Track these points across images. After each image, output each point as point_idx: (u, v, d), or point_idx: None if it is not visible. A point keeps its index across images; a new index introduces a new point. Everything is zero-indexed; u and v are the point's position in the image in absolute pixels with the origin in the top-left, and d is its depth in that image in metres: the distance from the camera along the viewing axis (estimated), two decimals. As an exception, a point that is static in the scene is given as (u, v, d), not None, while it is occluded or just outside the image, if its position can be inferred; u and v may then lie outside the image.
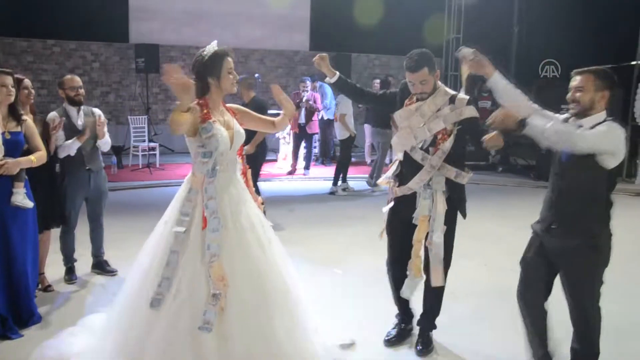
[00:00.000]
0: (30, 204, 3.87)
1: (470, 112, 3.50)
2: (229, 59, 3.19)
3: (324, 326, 3.79)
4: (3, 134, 3.75)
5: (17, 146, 3.83)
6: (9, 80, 3.83)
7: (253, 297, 3.07)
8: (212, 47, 3.19)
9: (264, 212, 3.51)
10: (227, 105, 3.38)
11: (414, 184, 3.56)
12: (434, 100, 3.54)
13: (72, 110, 4.76)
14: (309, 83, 10.76)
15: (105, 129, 4.87)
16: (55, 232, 4.79)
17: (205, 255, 3.01)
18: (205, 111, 3.11)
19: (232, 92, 3.25)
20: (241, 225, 3.15)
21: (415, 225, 3.59)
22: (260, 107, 7.11)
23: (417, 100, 3.58)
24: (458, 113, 3.49)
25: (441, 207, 3.53)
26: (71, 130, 4.67)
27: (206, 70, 3.14)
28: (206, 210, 3.06)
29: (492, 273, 5.36)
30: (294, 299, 3.28)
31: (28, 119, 4.01)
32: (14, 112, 3.88)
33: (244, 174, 3.41)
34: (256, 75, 11.57)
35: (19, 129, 3.86)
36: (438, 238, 3.52)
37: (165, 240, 3.10)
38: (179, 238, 3.05)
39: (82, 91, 4.79)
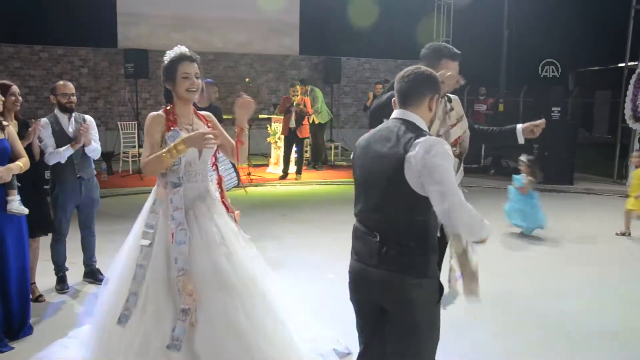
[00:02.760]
0: (25, 210, 3.83)
1: (467, 123, 3.43)
2: (186, 62, 3.03)
3: (317, 333, 3.76)
4: None
5: (4, 154, 3.76)
6: None
7: (224, 313, 2.94)
8: (170, 51, 3.09)
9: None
10: (200, 112, 3.24)
11: None
12: (442, 103, 3.31)
13: (63, 117, 4.69)
14: (298, 87, 10.74)
15: (95, 136, 4.79)
16: (46, 241, 4.72)
17: (172, 269, 2.91)
18: (171, 118, 3.02)
19: (188, 99, 3.09)
20: (209, 239, 3.01)
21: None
22: (218, 117, 7.01)
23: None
24: (465, 123, 3.37)
25: None
26: (62, 138, 4.60)
27: (164, 76, 3.07)
28: (172, 222, 2.93)
29: (486, 276, 5.32)
30: (273, 311, 3.15)
31: (10, 125, 3.94)
32: None
33: (219, 184, 3.30)
34: (247, 80, 11.56)
35: (2, 136, 3.80)
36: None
37: (133, 253, 3.01)
38: (144, 251, 2.95)
39: (74, 98, 4.73)
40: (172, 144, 2.87)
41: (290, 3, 14.47)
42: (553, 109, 10.62)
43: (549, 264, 5.84)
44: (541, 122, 3.33)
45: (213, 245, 3.01)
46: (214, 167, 3.29)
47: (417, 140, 2.27)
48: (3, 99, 3.91)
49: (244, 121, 3.17)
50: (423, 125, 2.41)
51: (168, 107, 3.08)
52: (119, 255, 3.14)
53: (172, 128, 3.00)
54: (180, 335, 2.83)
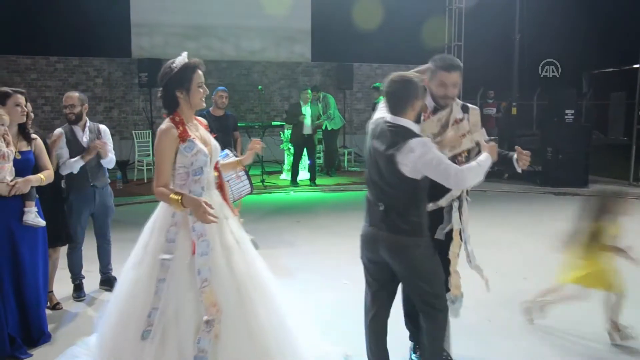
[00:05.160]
0: (42, 222, 3.86)
1: (484, 134, 3.43)
2: (200, 72, 3.00)
3: (331, 338, 3.76)
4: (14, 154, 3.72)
5: (27, 166, 3.82)
6: (23, 100, 3.85)
7: (245, 322, 2.93)
8: (182, 58, 2.99)
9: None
10: (196, 117, 3.20)
11: (446, 200, 3.33)
12: (454, 112, 3.33)
13: (76, 128, 4.73)
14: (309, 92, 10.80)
15: (110, 145, 4.79)
16: (62, 249, 4.77)
17: (193, 281, 2.86)
18: (181, 129, 2.95)
19: (201, 108, 3.08)
20: (227, 245, 3.00)
21: (438, 240, 3.42)
22: (235, 124, 7.14)
23: (435, 110, 3.34)
24: (482, 133, 3.37)
25: (467, 217, 3.41)
26: (76, 148, 4.65)
27: (175, 84, 2.96)
28: (193, 233, 2.88)
29: (503, 281, 5.30)
30: (283, 317, 3.13)
31: (38, 138, 4.01)
32: (24, 132, 3.88)
33: (221, 187, 3.24)
34: (259, 87, 11.61)
35: (29, 148, 3.86)
36: (471, 249, 3.42)
37: (149, 266, 2.94)
38: (166, 265, 2.89)
39: (76, 109, 4.66)
40: (178, 199, 2.84)
41: (301, 10, 14.53)
42: (567, 111, 10.52)
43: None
44: (526, 152, 3.31)
45: (232, 252, 3.00)
46: (216, 170, 3.23)
47: (408, 143, 2.82)
48: (26, 110, 3.93)
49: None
50: (410, 125, 2.93)
51: (176, 118, 2.99)
52: (128, 265, 3.08)
53: (186, 139, 2.95)
54: (205, 346, 2.80)
